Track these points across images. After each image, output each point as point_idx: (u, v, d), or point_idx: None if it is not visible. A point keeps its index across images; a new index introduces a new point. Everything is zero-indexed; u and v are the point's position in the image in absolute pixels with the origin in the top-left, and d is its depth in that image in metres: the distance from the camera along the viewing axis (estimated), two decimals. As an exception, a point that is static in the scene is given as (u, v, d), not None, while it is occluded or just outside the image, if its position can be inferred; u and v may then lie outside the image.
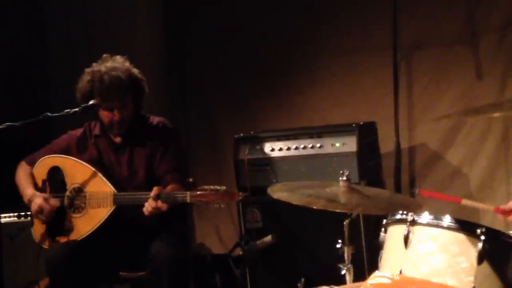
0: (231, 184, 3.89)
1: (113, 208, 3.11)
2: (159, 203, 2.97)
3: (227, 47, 4.54)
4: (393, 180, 3.73)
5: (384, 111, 3.93)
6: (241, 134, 3.88)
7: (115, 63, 3.18)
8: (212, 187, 2.99)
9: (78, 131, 3.36)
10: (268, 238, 3.61)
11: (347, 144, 3.67)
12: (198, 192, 2.97)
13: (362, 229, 3.41)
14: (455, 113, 3.40)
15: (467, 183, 3.98)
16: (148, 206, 2.98)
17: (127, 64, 3.22)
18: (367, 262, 3.40)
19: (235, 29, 4.51)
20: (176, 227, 3.22)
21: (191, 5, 4.62)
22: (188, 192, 2.99)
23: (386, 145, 3.95)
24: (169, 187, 3.13)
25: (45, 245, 3.22)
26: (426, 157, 4.08)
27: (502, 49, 3.85)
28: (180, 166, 3.30)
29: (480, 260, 2.08)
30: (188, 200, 2.98)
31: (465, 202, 2.67)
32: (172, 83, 4.66)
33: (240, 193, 3.20)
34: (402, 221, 2.23)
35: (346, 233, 2.64)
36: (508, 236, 2.16)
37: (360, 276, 2.66)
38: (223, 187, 3.00)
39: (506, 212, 2.77)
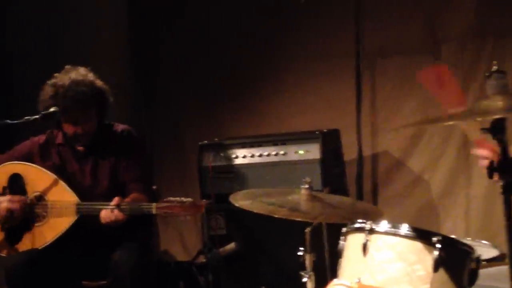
0: (195, 191, 3.90)
1: (76, 218, 3.08)
2: (116, 213, 2.95)
3: (193, 54, 4.53)
4: (352, 189, 3.76)
5: (348, 118, 3.97)
6: (206, 141, 3.88)
7: (79, 76, 3.14)
8: (178, 198, 2.99)
9: (41, 138, 3.32)
10: (231, 245, 3.62)
11: (310, 152, 3.70)
12: (164, 204, 2.97)
13: (325, 236, 3.42)
14: (417, 121, 3.42)
15: (429, 190, 4.03)
16: (105, 216, 2.96)
17: (90, 76, 3.18)
18: (330, 269, 3.41)
19: (202, 37, 4.50)
20: (139, 235, 3.20)
21: (159, 12, 4.60)
22: (154, 204, 2.99)
23: (350, 152, 3.99)
24: (132, 196, 3.11)
25: (3, 253, 3.17)
26: (389, 164, 4.12)
27: (463, 57, 3.91)
28: (145, 174, 3.28)
29: (436, 267, 2.11)
30: (154, 212, 2.98)
31: None
32: (137, 90, 4.64)
33: (204, 200, 3.20)
34: (360, 229, 2.25)
35: (307, 241, 2.65)
36: (463, 244, 2.19)
37: (322, 283, 2.66)
38: (190, 199, 3.00)
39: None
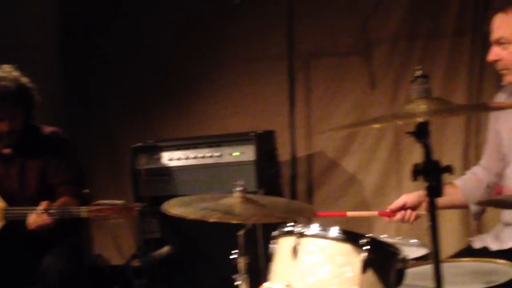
0: (129, 194, 3.85)
1: (3, 223, 3.00)
2: (44, 217, 2.89)
3: (126, 56, 4.47)
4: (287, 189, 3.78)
5: (282, 119, 3.99)
6: (139, 143, 3.83)
7: (2, 73, 3.07)
8: (109, 201, 2.95)
9: (-35, 141, 3.22)
10: (166, 249, 3.59)
11: (245, 153, 3.70)
12: (95, 207, 2.92)
13: (260, 239, 3.43)
14: (345, 125, 3.49)
15: (362, 190, 4.09)
16: (32, 221, 2.90)
17: (15, 73, 3.11)
18: (265, 272, 3.42)
19: (135, 38, 4.44)
20: (70, 239, 3.15)
21: (90, 13, 4.52)
22: (84, 207, 2.94)
23: (285, 153, 4.01)
24: (62, 199, 3.05)
25: None
26: (323, 164, 4.17)
27: (394, 59, 3.98)
28: (75, 177, 3.23)
29: (364, 269, 2.14)
30: (84, 215, 2.93)
31: (350, 214, 2.75)
32: (69, 93, 4.54)
33: (137, 203, 3.16)
34: (290, 233, 2.26)
35: (241, 243, 2.65)
36: (390, 245, 2.22)
37: (257, 286, 2.67)
38: (121, 202, 2.97)
39: (391, 213, 2.89)
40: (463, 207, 3.20)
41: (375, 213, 2.89)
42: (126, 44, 4.46)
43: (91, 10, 4.50)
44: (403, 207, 2.88)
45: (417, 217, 2.86)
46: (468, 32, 3.76)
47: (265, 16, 4.16)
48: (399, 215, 2.91)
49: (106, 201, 2.93)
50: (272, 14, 4.07)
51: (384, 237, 3.04)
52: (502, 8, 2.71)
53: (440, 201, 2.85)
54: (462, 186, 2.93)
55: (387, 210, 2.91)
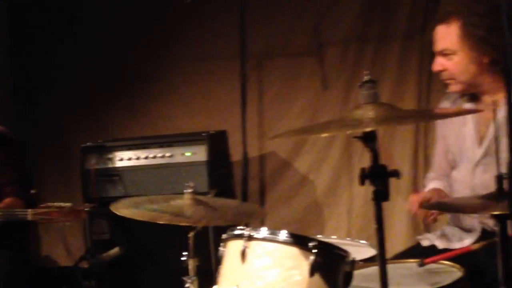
0: (79, 195, 3.79)
1: None
2: None
3: (77, 54, 4.38)
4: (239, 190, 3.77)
5: (235, 119, 3.95)
6: (88, 143, 3.78)
7: None
8: (56, 204, 2.91)
9: None
10: (115, 250, 3.54)
11: (197, 154, 3.68)
12: (41, 210, 2.88)
13: (211, 241, 3.42)
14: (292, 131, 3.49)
15: (314, 190, 4.11)
16: None
17: None
18: (216, 274, 3.41)
19: (85, 38, 4.36)
20: (15, 242, 3.08)
21: (40, 16, 4.42)
22: (29, 210, 2.88)
23: (237, 153, 3.99)
24: (7, 201, 2.99)
25: None
26: (276, 165, 4.17)
27: (346, 61, 4.00)
28: (21, 177, 3.16)
29: (312, 272, 2.15)
30: (30, 218, 2.87)
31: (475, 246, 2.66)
32: (17, 94, 4.44)
33: (85, 205, 3.12)
34: (239, 236, 2.26)
35: (191, 245, 2.64)
36: (338, 248, 2.24)
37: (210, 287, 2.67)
38: (69, 204, 2.93)
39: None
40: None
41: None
42: (78, 44, 4.37)
43: (42, 9, 4.41)
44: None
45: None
46: (417, 36, 3.81)
47: (217, 16, 4.13)
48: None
49: (53, 204, 2.88)
50: (224, 13, 4.04)
51: (333, 239, 3.07)
52: (443, 19, 2.76)
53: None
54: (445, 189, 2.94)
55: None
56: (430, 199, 2.74)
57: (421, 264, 2.47)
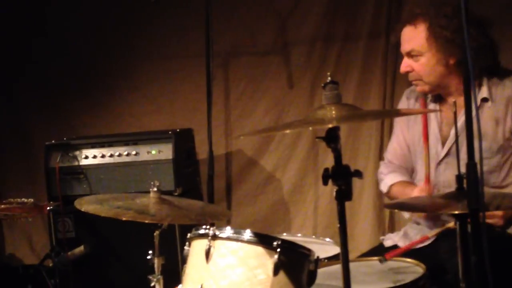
0: (43, 193, 3.76)
1: None
2: None
3: (42, 52, 4.33)
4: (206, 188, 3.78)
5: (201, 117, 3.95)
6: (53, 141, 3.74)
7: None
8: (19, 200, 2.88)
9: None
10: (80, 248, 3.53)
11: (163, 152, 3.67)
12: (3, 206, 2.85)
13: (177, 240, 3.42)
14: (257, 130, 3.52)
15: (280, 188, 4.13)
16: None
17: None
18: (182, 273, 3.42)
19: (51, 34, 4.31)
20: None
21: (4, 9, 4.36)
22: (-12, 206, 2.85)
23: (203, 151, 3.98)
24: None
25: None
26: (242, 163, 4.18)
27: (311, 60, 4.03)
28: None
29: (276, 271, 2.16)
30: (-9, 215, 2.84)
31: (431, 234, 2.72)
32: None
33: (51, 202, 3.08)
34: (204, 235, 2.26)
35: (156, 244, 2.64)
36: (302, 247, 2.25)
37: (174, 287, 2.67)
38: (31, 200, 2.90)
39: None
40: None
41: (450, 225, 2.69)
42: (43, 41, 4.32)
43: (6, 6, 4.34)
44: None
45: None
46: (382, 36, 3.84)
47: (183, 14, 4.12)
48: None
49: (15, 200, 2.86)
50: (190, 11, 4.03)
51: (299, 237, 3.09)
52: (410, 21, 2.79)
53: None
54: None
55: None
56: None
57: (382, 260, 2.51)
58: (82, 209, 2.50)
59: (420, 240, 2.71)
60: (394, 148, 3.06)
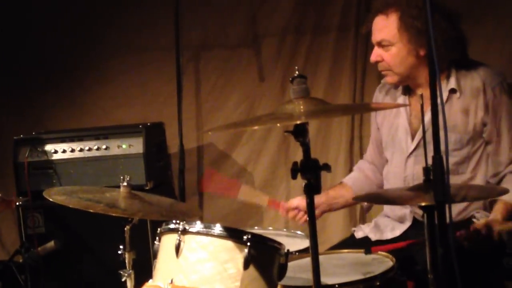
0: (12, 188, 3.71)
1: None
2: None
3: (10, 44, 4.26)
4: (177, 182, 3.77)
5: (172, 111, 3.96)
6: (21, 136, 3.70)
7: None
8: (-15, 194, 2.84)
9: None
10: (51, 244, 3.49)
11: (134, 146, 3.65)
12: (-32, 200, 2.80)
13: (149, 235, 3.41)
14: (225, 125, 3.52)
15: (251, 181, 4.13)
16: None
17: None
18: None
19: (20, 28, 4.25)
20: None
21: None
22: (-46, 200, 2.81)
23: (175, 145, 3.98)
24: None
25: None
26: (214, 156, 4.18)
27: (282, 52, 4.03)
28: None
29: (246, 265, 2.17)
30: (-45, 209, 2.80)
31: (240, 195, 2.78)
32: None
33: (20, 197, 3.05)
34: (174, 230, 2.26)
35: (127, 239, 2.62)
36: (273, 240, 2.26)
37: (146, 281, 2.66)
38: (-2, 194, 2.86)
39: (278, 207, 2.96)
40: (356, 204, 3.36)
41: (265, 200, 2.95)
42: (11, 33, 4.26)
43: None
44: (296, 208, 2.95)
45: (306, 221, 2.92)
46: (352, 28, 3.86)
47: (153, 6, 4.10)
48: (291, 213, 2.97)
49: (-18, 195, 2.82)
50: (160, 3, 4.01)
51: (270, 230, 3.10)
52: (382, 10, 2.79)
53: (337, 203, 3.02)
54: (353, 186, 3.04)
55: (278, 203, 2.97)
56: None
57: (367, 252, 2.54)
58: (51, 199, 2.47)
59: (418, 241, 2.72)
60: (371, 142, 3.10)
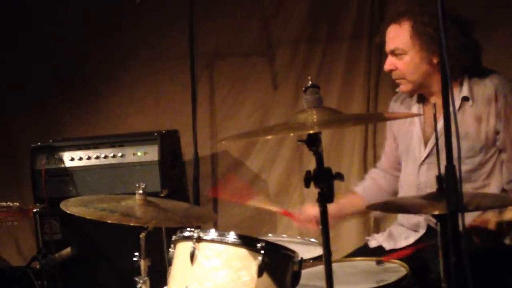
0: (29, 195, 3.76)
1: None
2: None
3: (27, 53, 4.32)
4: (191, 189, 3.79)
5: (187, 119, 3.97)
6: (38, 143, 3.75)
7: None
8: (4, 203, 2.89)
9: None
10: (67, 250, 3.54)
11: (149, 153, 3.68)
12: (-13, 210, 2.85)
13: (164, 242, 3.43)
14: (238, 134, 3.56)
15: (266, 189, 4.15)
16: None
17: None
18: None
19: (37, 37, 4.31)
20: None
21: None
22: (-28, 211, 2.85)
23: (189, 153, 4.00)
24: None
25: None
26: (228, 164, 4.20)
27: (295, 61, 4.05)
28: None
29: (260, 272, 2.19)
30: (-26, 219, 2.84)
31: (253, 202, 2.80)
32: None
33: (37, 204, 3.09)
34: (188, 238, 2.29)
35: (142, 246, 2.65)
36: (286, 248, 2.28)
37: (161, 288, 2.69)
38: (16, 204, 2.90)
39: (292, 216, 2.97)
40: (367, 213, 3.36)
41: (279, 210, 2.96)
42: (28, 42, 4.32)
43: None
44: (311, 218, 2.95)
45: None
46: (365, 37, 3.87)
47: (167, 15, 4.14)
48: (307, 224, 2.98)
49: (0, 204, 2.86)
50: (174, 13, 4.04)
51: (284, 237, 3.12)
52: (395, 20, 2.81)
53: (347, 211, 3.03)
54: (365, 195, 3.05)
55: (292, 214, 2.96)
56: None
57: (379, 263, 2.55)
58: (68, 211, 2.52)
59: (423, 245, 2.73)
60: (385, 151, 3.11)
